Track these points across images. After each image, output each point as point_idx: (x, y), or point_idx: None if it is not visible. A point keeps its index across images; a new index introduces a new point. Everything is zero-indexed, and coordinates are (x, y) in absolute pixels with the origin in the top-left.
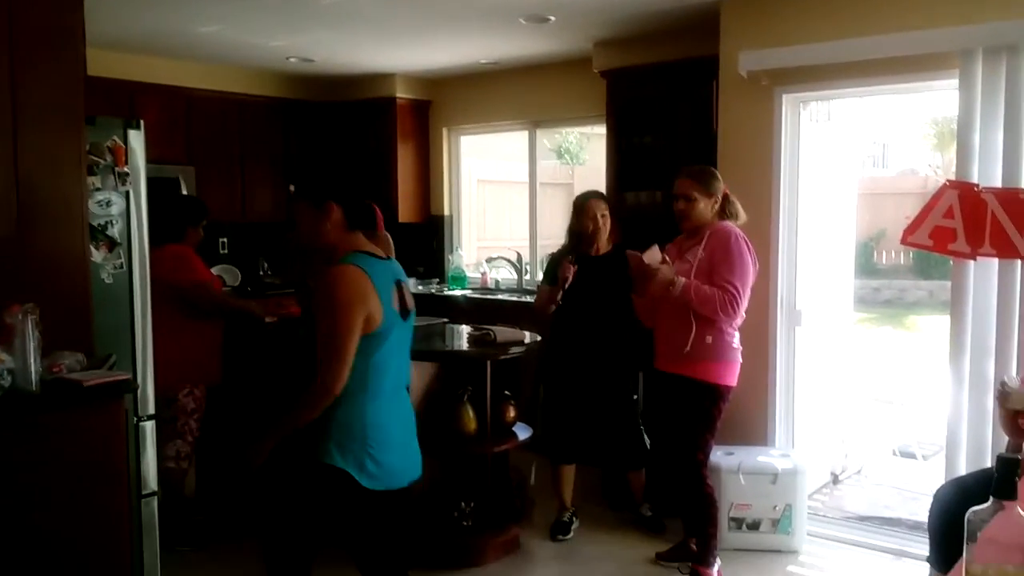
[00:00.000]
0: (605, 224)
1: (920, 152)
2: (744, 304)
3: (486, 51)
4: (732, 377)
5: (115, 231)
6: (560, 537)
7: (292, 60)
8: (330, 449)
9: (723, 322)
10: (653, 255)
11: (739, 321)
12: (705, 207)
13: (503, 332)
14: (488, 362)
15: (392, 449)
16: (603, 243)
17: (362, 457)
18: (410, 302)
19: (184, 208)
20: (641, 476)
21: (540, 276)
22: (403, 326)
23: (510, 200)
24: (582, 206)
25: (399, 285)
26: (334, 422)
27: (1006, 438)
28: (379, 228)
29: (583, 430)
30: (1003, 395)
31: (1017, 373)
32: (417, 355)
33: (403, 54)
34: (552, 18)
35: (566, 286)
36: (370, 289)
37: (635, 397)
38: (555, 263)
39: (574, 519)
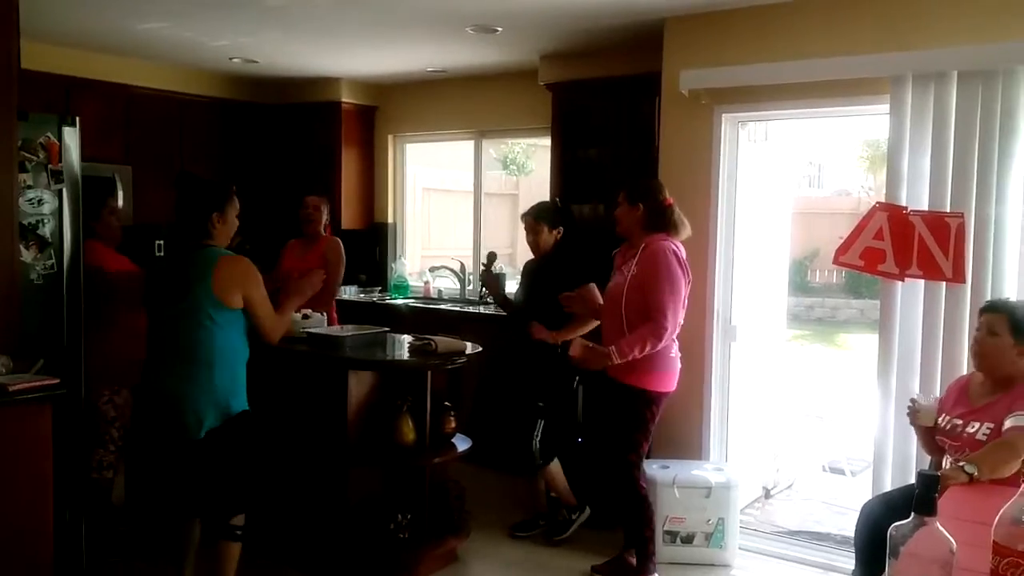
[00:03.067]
0: (530, 236)
1: (854, 173)
2: (676, 318)
3: (433, 59)
4: (666, 384)
5: (46, 230)
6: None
7: (235, 61)
8: (239, 400)
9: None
10: (592, 294)
11: (674, 333)
12: (627, 214)
13: (444, 342)
14: (428, 372)
15: None
16: (539, 251)
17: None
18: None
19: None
20: (540, 484)
21: (478, 286)
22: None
23: (455, 209)
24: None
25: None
26: (230, 382)
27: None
28: None
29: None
30: (913, 412)
31: (940, 392)
32: (357, 364)
33: (349, 59)
34: (499, 29)
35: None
36: None
37: (540, 404)
38: None
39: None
